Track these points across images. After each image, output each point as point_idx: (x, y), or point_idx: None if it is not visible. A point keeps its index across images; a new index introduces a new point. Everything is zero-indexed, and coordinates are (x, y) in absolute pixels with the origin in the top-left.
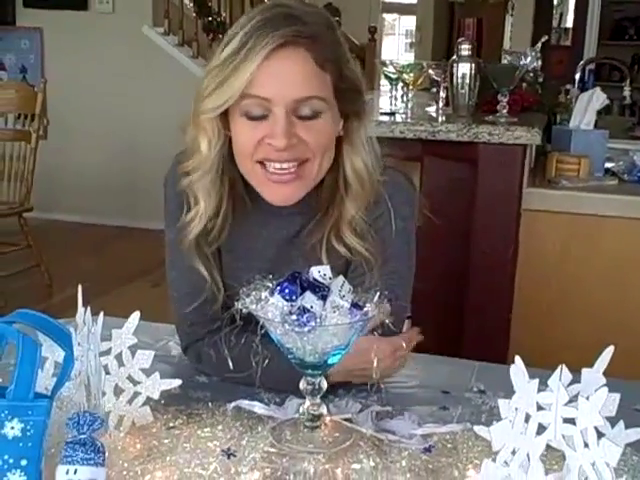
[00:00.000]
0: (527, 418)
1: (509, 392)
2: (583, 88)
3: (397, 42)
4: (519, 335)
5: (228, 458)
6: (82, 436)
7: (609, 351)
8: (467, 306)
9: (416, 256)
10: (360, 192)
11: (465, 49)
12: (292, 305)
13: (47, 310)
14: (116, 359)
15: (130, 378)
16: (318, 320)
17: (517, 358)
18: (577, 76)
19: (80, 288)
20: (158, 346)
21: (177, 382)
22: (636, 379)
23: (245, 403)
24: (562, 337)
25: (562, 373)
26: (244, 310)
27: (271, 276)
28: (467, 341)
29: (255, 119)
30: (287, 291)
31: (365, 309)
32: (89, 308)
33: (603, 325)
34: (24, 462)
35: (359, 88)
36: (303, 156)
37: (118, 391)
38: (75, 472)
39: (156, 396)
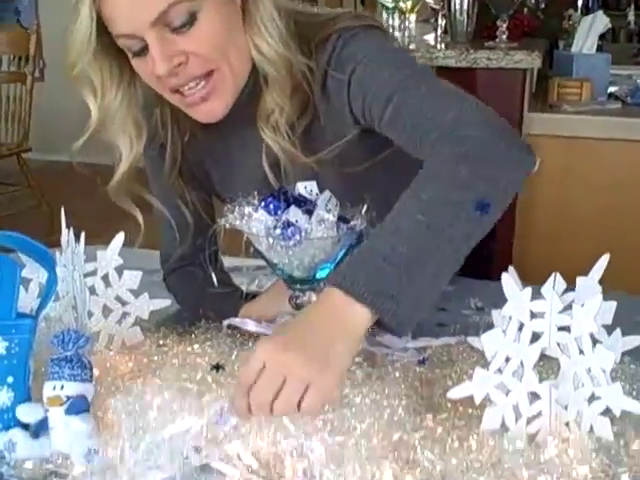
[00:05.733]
0: (521, 327)
1: None
2: (587, 14)
3: None
4: (521, 258)
5: (217, 371)
6: (67, 353)
7: (605, 258)
8: None
9: None
10: (277, 77)
11: None
12: (277, 219)
13: (50, 248)
14: (102, 280)
15: (118, 298)
16: (303, 234)
17: (510, 268)
18: (580, 1)
19: (63, 210)
20: (155, 272)
21: (166, 302)
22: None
23: (237, 321)
24: (564, 259)
25: (556, 281)
26: (228, 226)
27: (255, 193)
28: (467, 265)
29: (140, 55)
30: (271, 206)
31: (352, 223)
32: (72, 229)
33: (605, 246)
34: (10, 379)
35: None
36: (204, 69)
37: (106, 311)
38: (62, 387)
39: (145, 316)
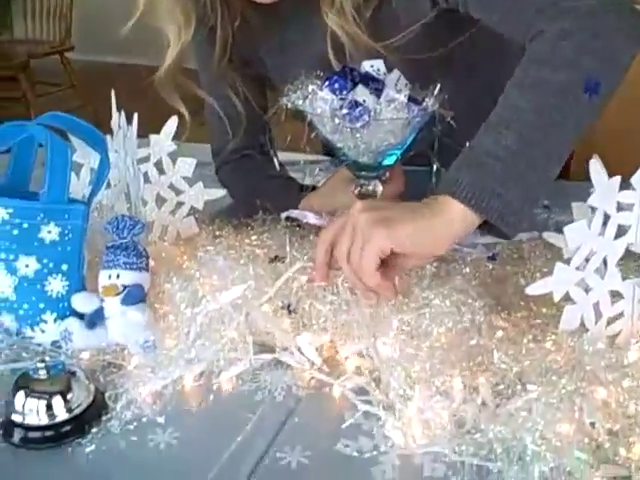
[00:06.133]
0: (605, 221)
1: None
2: None
3: None
4: (584, 156)
5: (275, 262)
6: (123, 240)
7: None
8: None
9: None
10: None
11: None
12: (342, 99)
13: None
14: (156, 167)
15: (172, 187)
16: (372, 114)
17: (595, 156)
18: None
19: (113, 93)
20: (207, 166)
21: (221, 192)
22: None
23: (296, 213)
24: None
25: None
26: (290, 106)
27: (319, 72)
28: None
29: None
30: (336, 85)
31: (424, 104)
32: (123, 112)
33: None
34: (65, 267)
35: None
36: None
37: (160, 201)
38: (118, 276)
39: (200, 206)
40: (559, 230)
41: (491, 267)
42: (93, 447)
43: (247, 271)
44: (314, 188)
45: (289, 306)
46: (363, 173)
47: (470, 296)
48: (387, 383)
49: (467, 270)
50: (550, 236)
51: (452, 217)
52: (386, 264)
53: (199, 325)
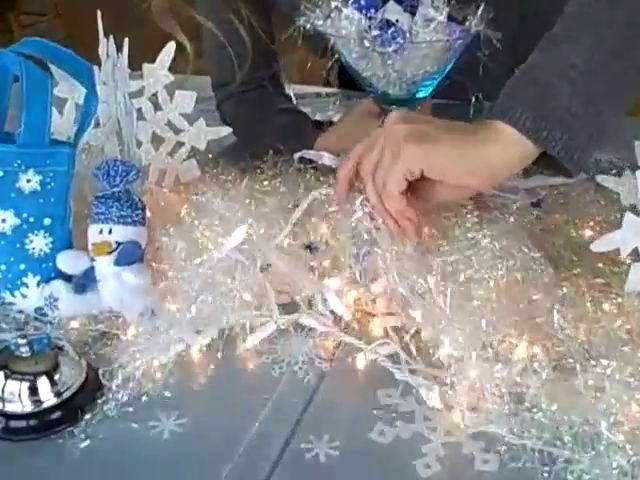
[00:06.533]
0: None
1: (620, 147)
2: None
3: None
4: None
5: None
6: (115, 189)
7: None
8: None
9: None
10: None
11: None
12: (371, 19)
13: None
14: (151, 102)
15: (170, 125)
16: (407, 36)
17: None
18: None
19: (99, 14)
20: (205, 100)
21: (226, 130)
22: None
23: (311, 153)
24: None
25: None
26: (308, 27)
27: None
28: None
29: None
30: (364, 2)
31: (466, 24)
32: (112, 38)
33: None
34: (48, 221)
35: None
36: None
37: (157, 141)
38: (110, 232)
39: (202, 146)
40: (602, 171)
41: (536, 215)
42: (88, 442)
43: (250, 210)
44: (331, 124)
45: (310, 245)
46: (392, 107)
47: (523, 243)
48: (432, 344)
49: (512, 220)
50: (605, 179)
51: (506, 145)
52: (417, 192)
53: (203, 281)
